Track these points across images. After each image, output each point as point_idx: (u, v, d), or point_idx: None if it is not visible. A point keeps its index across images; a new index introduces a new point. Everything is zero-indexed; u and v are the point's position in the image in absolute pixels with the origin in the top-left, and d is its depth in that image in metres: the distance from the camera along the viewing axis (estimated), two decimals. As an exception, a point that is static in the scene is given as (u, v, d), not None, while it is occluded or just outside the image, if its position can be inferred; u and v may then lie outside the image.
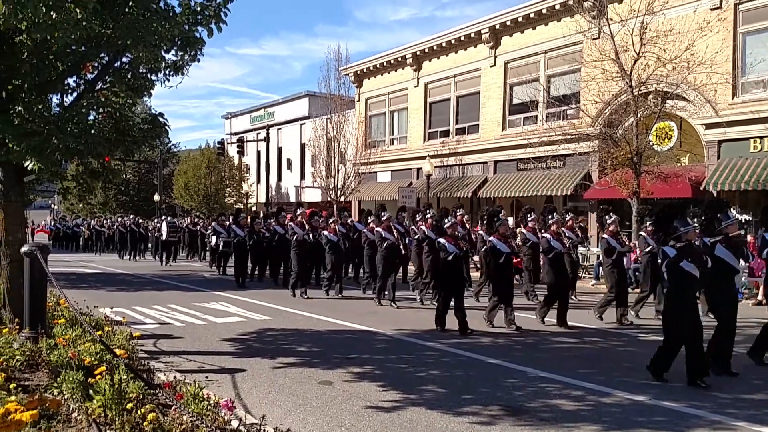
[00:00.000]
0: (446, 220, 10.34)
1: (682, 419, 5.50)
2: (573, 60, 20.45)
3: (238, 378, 6.69)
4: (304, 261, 14.10)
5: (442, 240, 9.89)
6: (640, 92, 17.27)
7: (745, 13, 17.74)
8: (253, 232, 16.95)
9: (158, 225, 25.56)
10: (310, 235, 14.12)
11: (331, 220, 14.78)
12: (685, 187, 17.82)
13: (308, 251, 14.29)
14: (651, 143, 17.86)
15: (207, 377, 6.53)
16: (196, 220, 29.31)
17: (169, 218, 25.73)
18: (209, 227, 22.96)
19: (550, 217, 10.89)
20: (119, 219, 31.48)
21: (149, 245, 28.33)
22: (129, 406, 4.63)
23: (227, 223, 19.42)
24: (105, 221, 34.29)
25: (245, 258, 16.83)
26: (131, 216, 31.66)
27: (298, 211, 15.40)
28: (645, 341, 9.24)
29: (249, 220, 18.04)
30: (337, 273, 14.06)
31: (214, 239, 20.58)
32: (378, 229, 12.90)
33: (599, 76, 17.58)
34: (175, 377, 5.71)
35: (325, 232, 14.16)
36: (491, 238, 10.30)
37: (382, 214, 13.25)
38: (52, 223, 42.98)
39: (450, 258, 9.63)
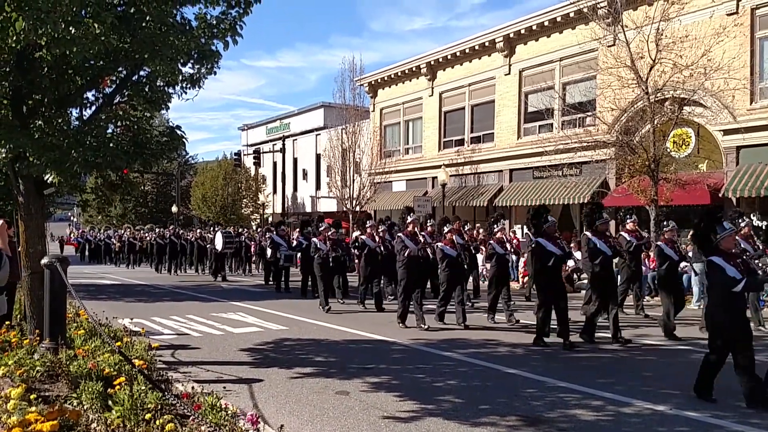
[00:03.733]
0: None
1: (704, 429, 5.41)
2: (588, 67, 20.33)
3: (255, 388, 6.71)
4: (416, 282, 11.42)
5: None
6: (656, 99, 17.13)
7: (762, 18, 17.56)
8: (336, 246, 14.16)
9: (212, 236, 23.26)
10: (428, 250, 11.80)
11: (446, 229, 11.81)
12: (703, 194, 17.62)
13: (422, 270, 11.85)
14: (668, 150, 17.70)
15: (225, 387, 6.54)
16: (240, 230, 28.06)
17: (223, 229, 23.79)
18: (266, 238, 20.55)
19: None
20: (156, 229, 29.30)
21: (186, 257, 26.15)
22: (147, 416, 4.66)
23: (288, 234, 17.74)
24: (137, 233, 32.29)
25: (331, 273, 14.31)
26: (171, 226, 29.48)
27: (408, 219, 12.03)
28: (665, 350, 9.13)
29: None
30: (449, 296, 11.62)
31: (270, 252, 18.19)
32: (542, 241, 9.68)
33: (615, 83, 17.47)
34: (193, 387, 5.74)
35: (440, 244, 11.68)
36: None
37: (500, 221, 11.26)
38: (72, 236, 42.83)
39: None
